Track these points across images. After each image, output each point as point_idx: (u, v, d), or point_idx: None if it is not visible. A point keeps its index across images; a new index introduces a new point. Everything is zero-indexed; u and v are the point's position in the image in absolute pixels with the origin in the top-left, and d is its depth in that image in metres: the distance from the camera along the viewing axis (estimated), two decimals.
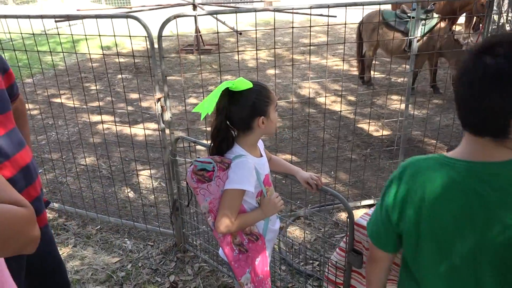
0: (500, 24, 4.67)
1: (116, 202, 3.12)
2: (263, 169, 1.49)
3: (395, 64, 6.53)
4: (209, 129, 1.51)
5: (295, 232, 2.79)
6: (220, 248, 1.56)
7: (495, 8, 4.53)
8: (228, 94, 1.37)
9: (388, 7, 7.46)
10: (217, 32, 2.70)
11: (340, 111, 3.98)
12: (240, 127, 1.44)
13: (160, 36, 2.24)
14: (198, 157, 1.49)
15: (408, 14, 5.22)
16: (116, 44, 3.73)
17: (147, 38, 2.22)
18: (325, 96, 3.95)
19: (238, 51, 2.59)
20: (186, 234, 2.61)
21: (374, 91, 5.55)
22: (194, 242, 2.64)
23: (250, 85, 1.37)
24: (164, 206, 3.07)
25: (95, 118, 4.79)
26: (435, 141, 4.07)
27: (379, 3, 2.88)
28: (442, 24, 5.04)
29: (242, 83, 1.36)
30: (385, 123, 4.64)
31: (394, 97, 5.41)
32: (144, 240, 2.74)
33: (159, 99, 2.31)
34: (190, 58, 7.99)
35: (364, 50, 5.95)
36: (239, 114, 1.39)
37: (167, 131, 2.43)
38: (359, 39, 5.79)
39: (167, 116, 2.36)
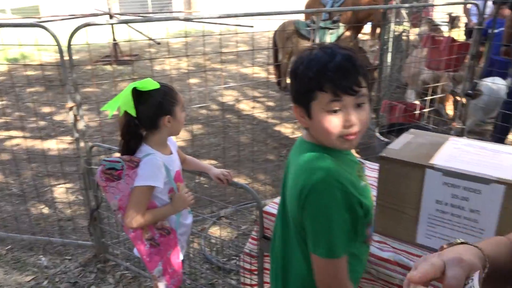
0: (398, 33, 5.21)
1: (29, 219, 2.96)
2: (173, 166, 1.56)
3: None
4: None
5: (217, 232, 2.87)
6: (134, 248, 1.60)
7: (397, 19, 5.06)
8: (136, 94, 1.43)
9: (300, 17, 7.92)
10: (130, 41, 2.72)
11: (247, 112, 4.16)
12: (148, 126, 1.50)
13: (69, 44, 2.22)
14: (107, 157, 1.53)
15: (318, 24, 5.61)
16: (25, 56, 3.55)
17: (56, 47, 2.19)
18: (256, 100, 4.10)
19: (150, 58, 2.63)
20: (106, 244, 2.57)
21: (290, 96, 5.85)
22: (115, 251, 2.61)
23: (157, 85, 1.45)
24: (82, 219, 2.98)
25: (3, 134, 4.47)
26: None
27: (284, 13, 3.09)
28: (348, 33, 5.49)
29: (149, 84, 1.43)
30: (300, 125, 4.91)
31: None
32: (60, 255, 2.64)
33: (71, 108, 2.27)
34: (108, 69, 7.76)
35: (280, 57, 6.25)
36: (146, 113, 1.46)
37: (81, 140, 2.39)
38: (274, 47, 6.09)
39: (81, 125, 2.33)
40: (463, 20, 5.70)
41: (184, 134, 4.20)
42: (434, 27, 5.66)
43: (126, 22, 2.65)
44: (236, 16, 2.69)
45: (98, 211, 2.47)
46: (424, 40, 4.49)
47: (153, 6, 14.08)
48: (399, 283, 1.38)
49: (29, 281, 2.41)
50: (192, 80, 6.55)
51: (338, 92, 0.95)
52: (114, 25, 7.53)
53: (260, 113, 5.27)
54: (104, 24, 2.43)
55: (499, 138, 3.61)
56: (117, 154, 1.54)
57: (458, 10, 5.99)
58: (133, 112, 1.42)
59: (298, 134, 4.72)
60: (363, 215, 1.07)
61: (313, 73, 0.96)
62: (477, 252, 0.66)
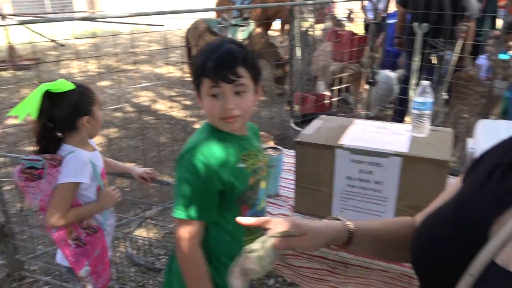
0: (304, 29, 5.50)
1: None
2: (99, 162, 1.54)
3: None
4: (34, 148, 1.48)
5: (144, 233, 2.82)
6: (57, 254, 1.54)
7: (303, 15, 5.34)
8: (48, 96, 1.37)
9: (212, 15, 7.97)
10: (31, 43, 2.54)
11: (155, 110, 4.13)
12: (65, 128, 1.45)
13: None
14: (26, 156, 1.45)
15: (230, 22, 5.70)
16: None
17: None
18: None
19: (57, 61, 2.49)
20: (20, 260, 2.39)
21: None
22: (32, 267, 2.44)
23: (72, 86, 1.41)
24: None
25: None
26: (265, 132, 4.58)
27: (195, 11, 3.11)
28: (258, 30, 5.67)
29: (62, 85, 1.38)
30: None
31: None
32: None
33: None
34: (5, 76, 7.10)
35: (193, 55, 6.25)
36: (63, 115, 1.41)
37: None
38: (189, 48, 6.07)
39: None
40: (362, 15, 6.18)
41: (99, 139, 4.02)
42: (337, 22, 6.07)
43: (25, 22, 2.47)
44: (146, 14, 2.67)
45: (9, 226, 2.29)
46: (328, 34, 4.81)
47: (52, 6, 13.11)
48: (320, 254, 1.50)
49: None
50: (104, 83, 6.26)
51: (217, 79, 1.08)
52: (8, 27, 6.90)
53: (177, 112, 5.23)
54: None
55: (398, 121, 4.02)
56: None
57: (357, 6, 6.49)
58: (33, 115, 1.37)
59: None
60: (226, 191, 1.16)
61: (200, 61, 1.10)
62: (335, 224, 0.81)
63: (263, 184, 1.28)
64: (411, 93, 3.63)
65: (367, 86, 3.68)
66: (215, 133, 1.18)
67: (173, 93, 6.08)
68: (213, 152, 1.14)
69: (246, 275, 0.79)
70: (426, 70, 3.54)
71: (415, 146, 1.43)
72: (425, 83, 1.49)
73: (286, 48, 6.21)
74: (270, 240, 0.77)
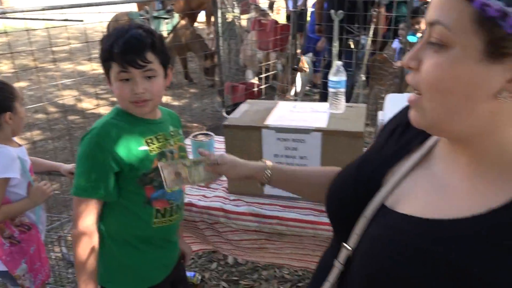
0: (229, 19, 5.57)
1: None
2: (26, 157, 1.51)
3: None
4: None
5: None
6: None
7: (227, 6, 5.39)
8: None
9: (133, 8, 7.74)
10: None
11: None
12: None
13: None
14: None
15: (152, 14, 5.60)
16: None
17: None
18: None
19: None
20: None
21: None
22: None
23: None
24: None
25: None
26: (198, 124, 4.61)
27: (115, 3, 3.05)
28: (183, 22, 5.63)
29: None
30: None
31: None
32: None
33: None
34: None
35: None
36: None
37: None
38: None
39: None
40: (284, 5, 6.38)
41: (22, 142, 3.80)
42: (262, 12, 6.21)
43: None
44: (62, 8, 2.57)
45: None
46: (252, 24, 4.93)
47: None
48: (255, 229, 1.60)
49: None
50: (21, 83, 5.87)
51: (124, 64, 1.10)
52: None
53: (105, 110, 5.06)
54: None
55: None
56: None
57: None
58: None
59: None
60: (124, 172, 1.18)
61: (108, 46, 1.11)
62: (258, 163, 1.05)
63: None
64: None
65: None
66: (121, 115, 1.20)
67: (99, 91, 5.87)
68: (110, 134, 1.16)
69: (177, 176, 1.05)
70: (345, 54, 3.79)
71: (333, 121, 1.58)
72: (338, 63, 1.64)
73: (213, 40, 6.25)
74: (201, 162, 1.08)
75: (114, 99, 5.55)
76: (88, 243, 1.17)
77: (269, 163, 1.05)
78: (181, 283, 1.51)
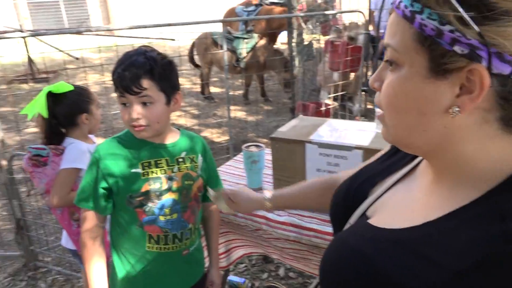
0: (307, 41, 5.72)
1: None
2: None
3: (232, 80, 7.28)
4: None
5: None
6: (62, 237, 1.75)
7: (307, 27, 5.57)
8: (51, 97, 1.61)
9: (217, 28, 8.26)
10: (44, 52, 2.80)
11: None
12: (67, 124, 1.68)
13: None
14: (33, 145, 1.68)
15: (233, 34, 5.97)
16: None
17: None
18: None
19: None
20: (35, 252, 2.63)
21: (214, 104, 6.16)
22: (45, 258, 2.67)
23: (71, 87, 1.64)
24: (9, 233, 2.97)
25: None
26: (266, 140, 4.78)
27: (201, 23, 3.35)
28: (262, 42, 5.91)
29: (62, 86, 1.61)
30: (224, 129, 5.22)
31: (232, 107, 6.08)
32: None
33: None
34: (25, 88, 7.48)
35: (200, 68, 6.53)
36: (63, 112, 1.64)
37: (1, 151, 2.45)
38: (190, 57, 6.36)
39: None
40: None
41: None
42: (339, 33, 6.27)
43: (39, 34, 2.75)
44: (152, 26, 2.91)
45: (24, 219, 2.53)
46: (325, 45, 5.02)
47: (69, 22, 13.68)
48: (294, 239, 1.67)
49: None
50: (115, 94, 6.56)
51: (121, 90, 1.16)
52: (27, 41, 7.31)
53: (186, 121, 5.48)
54: (16, 38, 2.53)
55: None
56: None
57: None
58: (44, 114, 1.59)
59: (224, 138, 5.00)
60: (113, 191, 1.24)
61: (112, 71, 1.19)
62: (260, 196, 1.18)
63: (172, 196, 1.27)
64: None
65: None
66: (127, 136, 1.26)
67: (183, 103, 6.34)
68: (106, 152, 1.22)
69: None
70: None
71: (376, 140, 1.61)
72: None
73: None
74: (219, 201, 1.24)
75: (195, 112, 6.00)
76: (87, 249, 1.25)
77: (268, 194, 1.16)
78: None
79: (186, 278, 1.42)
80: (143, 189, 1.23)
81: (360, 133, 1.71)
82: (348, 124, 1.82)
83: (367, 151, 1.55)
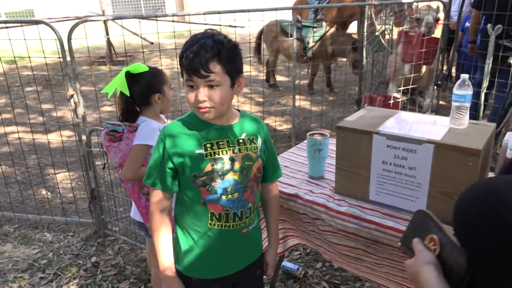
0: (379, 31, 5.51)
1: (35, 202, 3.22)
2: None
3: (298, 69, 7.22)
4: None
5: None
6: (132, 209, 1.86)
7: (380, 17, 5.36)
8: (129, 77, 1.70)
9: (285, 16, 8.19)
10: (123, 35, 2.97)
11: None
12: (141, 103, 1.77)
13: (69, 38, 2.48)
14: (110, 121, 1.79)
15: (302, 23, 5.89)
16: (28, 51, 3.80)
17: (57, 40, 2.45)
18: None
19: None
20: (105, 221, 2.83)
21: (279, 92, 6.16)
22: (114, 228, 2.87)
23: (146, 68, 1.72)
24: (83, 202, 3.23)
25: (1, 130, 4.71)
26: (329, 131, 4.70)
27: (271, 10, 3.35)
28: (331, 30, 5.79)
29: (139, 67, 1.70)
30: (287, 118, 5.21)
31: (296, 96, 6.04)
32: (64, 232, 2.90)
33: (71, 96, 2.53)
34: (103, 70, 8.01)
35: (267, 57, 6.54)
36: (139, 92, 1.73)
37: (81, 125, 2.65)
38: (257, 44, 6.38)
39: (81, 111, 2.58)
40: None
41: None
42: (414, 23, 5.95)
43: (120, 18, 2.91)
44: (218, 13, 2.95)
45: (98, 190, 2.72)
46: (398, 35, 4.79)
47: (146, 8, 14.36)
48: (353, 231, 1.64)
49: (36, 253, 2.66)
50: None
51: (189, 73, 1.18)
52: (108, 26, 7.79)
53: (249, 108, 5.54)
54: (100, 20, 2.70)
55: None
56: None
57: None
58: (126, 92, 1.69)
59: (286, 126, 5.00)
60: (178, 171, 1.28)
61: (180, 54, 1.21)
62: None
63: (233, 176, 1.30)
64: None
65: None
66: (191, 117, 1.30)
67: (246, 90, 6.43)
68: (172, 133, 1.26)
69: None
70: (501, 73, 3.42)
71: (450, 135, 1.51)
72: (464, 76, 1.56)
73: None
74: None
75: (260, 99, 6.05)
76: (155, 221, 1.32)
77: None
78: (246, 286, 1.51)
79: (245, 256, 1.45)
80: (206, 169, 1.26)
81: (432, 127, 1.62)
82: (419, 117, 1.73)
83: (439, 146, 1.47)
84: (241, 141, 1.33)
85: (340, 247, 1.72)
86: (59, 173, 3.75)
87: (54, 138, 4.45)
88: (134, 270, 2.47)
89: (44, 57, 2.66)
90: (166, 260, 1.33)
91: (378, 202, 1.67)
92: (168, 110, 1.87)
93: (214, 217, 1.33)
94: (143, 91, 1.74)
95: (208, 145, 1.27)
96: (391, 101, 3.98)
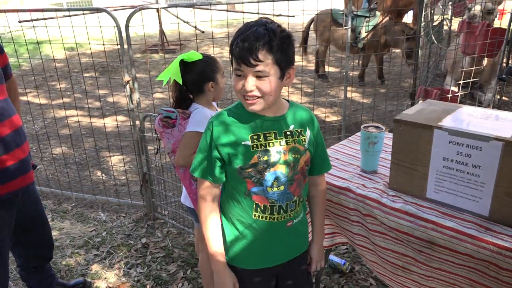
0: (437, 21, 5.23)
1: (90, 183, 3.38)
2: None
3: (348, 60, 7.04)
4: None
5: None
6: (182, 194, 1.90)
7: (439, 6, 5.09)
8: (183, 65, 1.72)
9: (338, 5, 7.99)
10: (177, 23, 3.02)
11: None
12: (194, 91, 1.78)
13: (127, 25, 2.55)
14: (164, 107, 1.82)
15: (354, 12, 5.72)
16: (88, 39, 3.96)
17: (115, 28, 2.53)
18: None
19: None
20: (155, 204, 2.92)
21: (328, 83, 6.04)
22: (163, 211, 2.95)
23: (200, 56, 1.73)
24: (135, 185, 3.35)
25: (63, 113, 4.98)
26: (379, 124, 4.55)
27: None
28: (384, 20, 5.57)
29: (193, 55, 1.71)
30: (336, 109, 5.10)
31: (348, 88, 5.90)
32: (116, 213, 3.03)
33: (127, 82, 2.61)
34: (155, 58, 8.22)
35: (317, 47, 6.42)
36: (192, 80, 1.74)
37: (136, 111, 2.73)
38: (305, 33, 6.26)
39: (136, 96, 2.66)
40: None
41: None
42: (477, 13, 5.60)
43: (174, 6, 2.96)
44: (272, 0, 2.92)
45: (149, 174, 2.81)
46: (459, 26, 4.52)
47: None
48: (407, 231, 1.56)
49: (91, 231, 2.80)
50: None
51: (238, 61, 1.15)
52: (161, 15, 7.97)
53: (297, 98, 5.48)
54: (155, 8, 2.75)
55: None
56: None
57: None
58: (179, 80, 1.70)
59: (335, 118, 4.90)
60: (225, 162, 1.27)
61: (231, 42, 1.18)
62: None
63: (280, 168, 1.28)
64: None
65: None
66: (239, 108, 1.27)
67: (296, 80, 6.36)
68: (219, 124, 1.25)
69: None
70: None
71: None
72: None
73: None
74: None
75: (308, 90, 5.96)
76: (204, 208, 1.32)
77: None
78: (290, 279, 1.49)
79: (289, 249, 1.43)
80: (252, 161, 1.25)
81: (501, 123, 1.51)
82: (485, 112, 1.62)
83: (509, 144, 1.37)
84: (288, 133, 1.29)
85: (387, 253, 1.63)
86: (113, 156, 3.91)
87: (109, 123, 4.65)
88: (181, 254, 2.54)
89: (103, 44, 2.76)
90: (216, 247, 1.34)
91: (436, 200, 1.59)
92: (220, 97, 1.87)
93: (259, 209, 1.31)
94: (196, 79, 1.75)
95: (255, 137, 1.25)
96: (449, 95, 3.77)
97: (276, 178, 1.27)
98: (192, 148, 1.72)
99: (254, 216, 1.32)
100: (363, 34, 5.59)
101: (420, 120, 1.56)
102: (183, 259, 2.49)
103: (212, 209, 1.34)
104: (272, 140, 1.26)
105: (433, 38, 4.91)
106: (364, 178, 1.79)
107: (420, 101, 1.68)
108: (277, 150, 1.26)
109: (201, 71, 1.75)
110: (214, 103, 1.90)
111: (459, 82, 3.94)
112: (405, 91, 5.48)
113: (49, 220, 2.92)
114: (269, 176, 1.26)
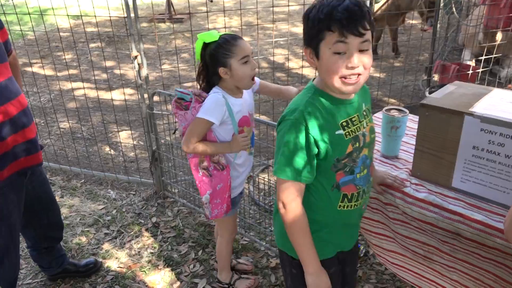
0: None
1: (99, 159, 3.33)
2: (239, 108, 1.67)
3: None
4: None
5: (265, 178, 3.08)
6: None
7: None
8: (204, 44, 1.61)
9: None
10: None
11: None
12: (212, 74, 1.65)
13: None
14: (179, 88, 1.72)
15: None
16: (93, 7, 3.82)
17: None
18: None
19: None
20: (165, 182, 2.87)
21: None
22: (173, 190, 2.91)
23: (215, 38, 1.59)
24: (144, 161, 3.30)
25: (69, 85, 4.89)
26: (395, 100, 4.42)
27: None
28: None
29: (209, 36, 1.58)
30: None
31: None
32: (126, 190, 2.99)
33: (135, 57, 2.50)
34: (162, 27, 8.02)
35: None
36: (207, 62, 1.63)
37: (145, 87, 2.64)
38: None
39: (144, 72, 2.56)
40: None
41: None
42: None
43: None
44: None
45: (159, 152, 2.74)
46: None
47: None
48: (431, 221, 1.49)
49: (101, 209, 2.77)
50: (245, 39, 6.65)
51: (344, 32, 1.02)
52: None
53: (309, 72, 5.33)
54: None
55: None
56: None
57: None
58: (198, 58, 1.60)
59: None
60: (320, 158, 1.16)
61: (323, 15, 1.04)
62: None
63: (365, 151, 1.23)
64: None
65: None
66: (318, 95, 1.15)
67: None
68: (311, 116, 1.12)
69: None
70: None
71: None
72: None
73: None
74: None
75: None
76: (299, 224, 1.18)
77: None
78: (349, 266, 1.46)
79: (356, 231, 1.44)
80: (348, 150, 1.18)
81: None
82: None
83: None
84: (364, 113, 1.25)
85: (409, 241, 1.57)
86: (122, 131, 3.85)
87: (117, 96, 4.56)
88: (192, 234, 2.51)
89: (110, 16, 2.63)
90: (316, 263, 1.22)
91: (463, 190, 1.51)
92: (245, 85, 1.66)
93: (346, 199, 1.25)
94: (210, 63, 1.62)
95: (344, 123, 1.17)
96: (469, 72, 3.62)
97: (363, 162, 1.24)
98: (198, 136, 1.62)
99: (339, 207, 1.26)
100: (373, 6, 5.34)
101: (449, 106, 1.46)
102: (194, 239, 2.46)
103: (305, 218, 1.20)
104: (357, 124, 1.21)
105: (454, 8, 4.68)
106: (385, 164, 1.71)
107: (452, 85, 1.58)
108: (363, 133, 1.22)
109: (211, 55, 1.61)
110: (248, 91, 1.73)
111: (480, 58, 3.77)
112: (420, 65, 5.30)
113: (59, 197, 2.90)
114: (359, 162, 1.22)
